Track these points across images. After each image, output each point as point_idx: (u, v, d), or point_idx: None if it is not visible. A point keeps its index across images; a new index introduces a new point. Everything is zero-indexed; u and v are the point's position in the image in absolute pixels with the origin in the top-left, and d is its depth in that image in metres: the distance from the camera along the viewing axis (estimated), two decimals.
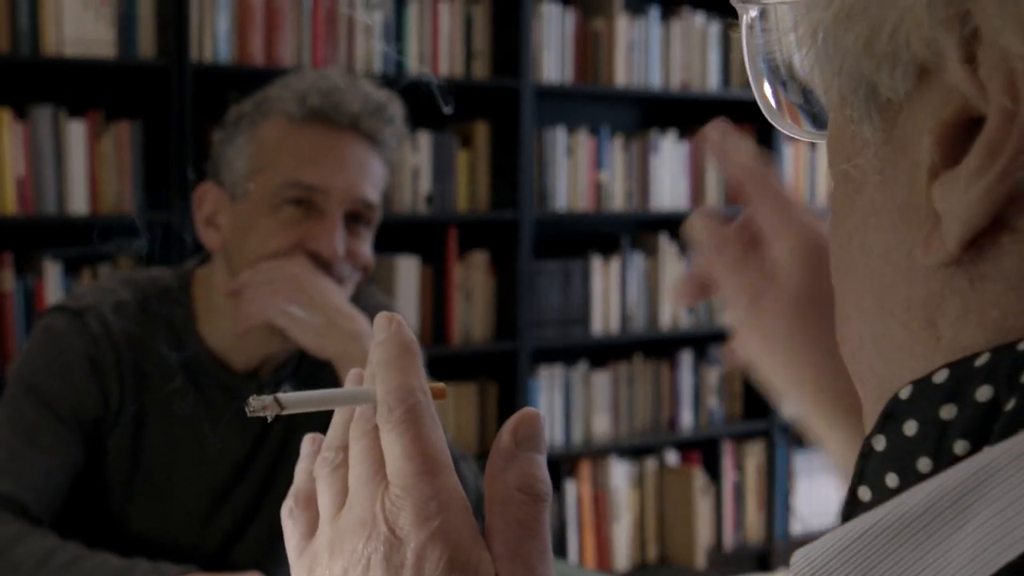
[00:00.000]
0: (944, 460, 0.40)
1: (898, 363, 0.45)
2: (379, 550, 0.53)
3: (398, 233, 3.61)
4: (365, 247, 1.62)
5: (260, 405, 0.58)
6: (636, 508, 4.05)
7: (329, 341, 1.54)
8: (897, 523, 0.40)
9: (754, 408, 4.27)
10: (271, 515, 1.65)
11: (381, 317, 0.61)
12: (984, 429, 0.39)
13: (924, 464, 0.41)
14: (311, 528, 0.59)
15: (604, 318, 3.91)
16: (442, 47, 3.56)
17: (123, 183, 3.10)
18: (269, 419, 0.59)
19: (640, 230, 4.10)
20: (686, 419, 4.14)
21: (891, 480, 0.43)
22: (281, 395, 0.59)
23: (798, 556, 0.42)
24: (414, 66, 3.51)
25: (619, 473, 3.99)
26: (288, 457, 1.64)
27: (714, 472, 4.21)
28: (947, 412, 0.41)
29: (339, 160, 1.56)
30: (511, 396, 3.71)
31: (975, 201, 0.40)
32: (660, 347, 4.12)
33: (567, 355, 3.93)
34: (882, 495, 0.42)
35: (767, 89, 0.53)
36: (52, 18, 2.99)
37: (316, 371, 1.65)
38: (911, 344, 0.44)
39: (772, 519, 4.27)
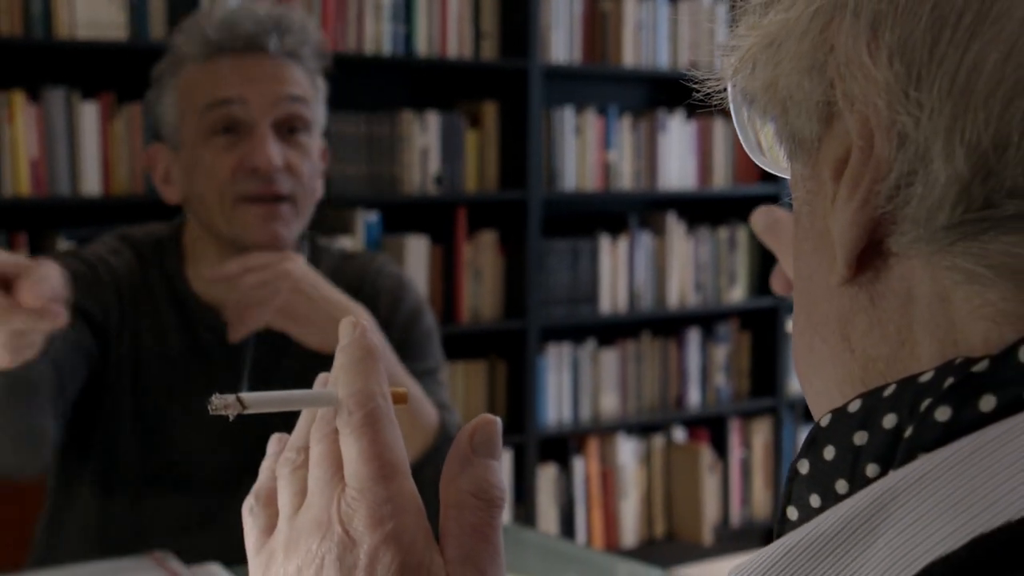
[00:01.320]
0: (859, 482, 0.45)
1: (823, 374, 0.51)
2: (333, 551, 0.54)
3: (408, 213, 3.64)
4: (307, 161, 1.61)
5: (222, 404, 0.58)
6: (644, 485, 4.08)
7: (333, 336, 1.55)
8: (817, 541, 0.44)
9: (761, 386, 4.29)
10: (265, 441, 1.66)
11: (345, 323, 0.62)
12: (890, 454, 0.44)
13: (842, 486, 0.46)
14: (270, 526, 0.59)
15: (612, 297, 3.94)
16: (451, 28, 3.58)
17: (135, 164, 3.14)
18: (231, 417, 0.59)
19: (648, 209, 4.13)
20: (693, 397, 4.17)
21: (814, 501, 0.47)
22: (244, 395, 0.59)
23: (732, 571, 0.47)
24: (423, 48, 3.54)
25: (627, 450, 4.02)
26: (278, 383, 1.65)
27: (721, 449, 4.25)
28: (859, 438, 0.46)
29: (251, 74, 1.59)
30: (520, 374, 3.74)
31: (845, 227, 0.46)
32: (668, 325, 4.14)
33: (575, 333, 3.96)
34: (807, 514, 0.47)
35: (749, 134, 0.55)
36: (64, 1, 3.02)
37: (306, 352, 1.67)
38: (831, 356, 0.50)
39: (779, 495, 4.30)
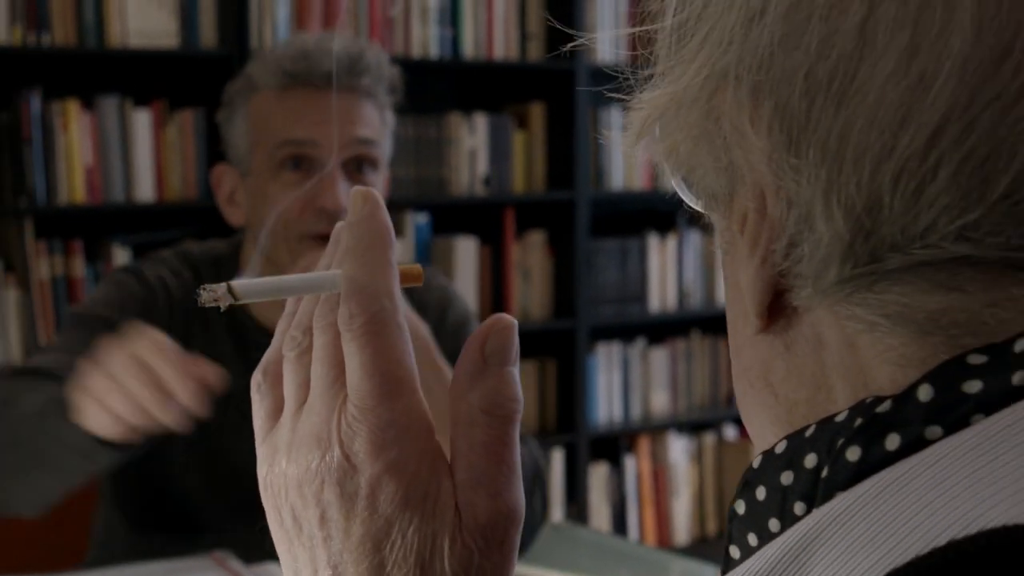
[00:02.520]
0: (788, 520, 0.46)
1: (757, 417, 0.52)
2: (333, 475, 0.51)
3: (456, 215, 3.66)
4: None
5: (211, 296, 0.53)
6: (695, 483, 4.08)
7: None
8: None
9: None
10: None
11: (357, 193, 0.55)
12: (813, 492, 0.46)
13: (774, 524, 0.47)
14: (276, 408, 0.56)
15: (661, 295, 3.94)
16: (497, 30, 3.60)
17: (187, 170, 3.18)
18: (222, 308, 0.54)
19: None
20: None
21: (752, 540, 0.49)
22: (235, 282, 0.53)
23: None
24: (469, 51, 3.55)
25: (678, 448, 4.02)
26: None
27: None
28: (786, 478, 0.47)
29: (323, 114, 1.61)
30: (570, 373, 3.75)
31: (750, 281, 0.49)
32: (717, 323, 4.14)
33: (625, 332, 3.96)
34: (747, 553, 0.48)
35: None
36: (116, 11, 3.07)
37: None
38: (759, 400, 0.52)
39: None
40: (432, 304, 1.77)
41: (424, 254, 3.54)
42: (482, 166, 3.59)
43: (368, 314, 0.52)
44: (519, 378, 0.54)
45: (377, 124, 1.65)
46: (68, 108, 3.04)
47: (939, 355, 0.45)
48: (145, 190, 3.13)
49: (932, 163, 0.43)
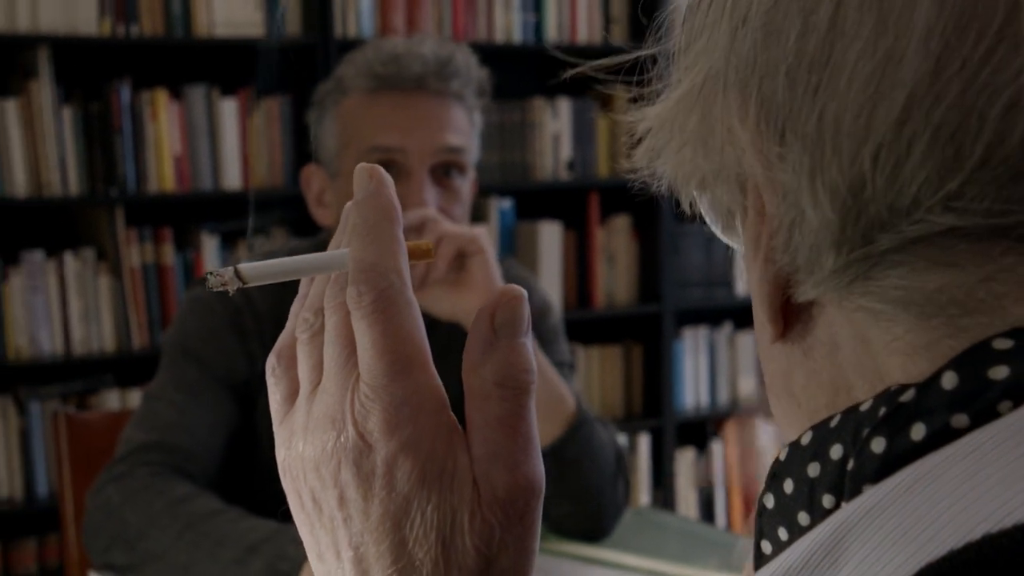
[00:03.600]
0: (818, 513, 0.46)
1: (786, 427, 0.52)
2: (349, 455, 0.51)
3: (540, 200, 3.65)
4: (458, 204, 1.65)
5: (218, 280, 0.52)
6: None
7: (469, 309, 1.57)
8: (789, 575, 0.44)
9: None
10: None
11: (360, 171, 0.54)
12: (841, 484, 0.45)
13: (803, 518, 0.47)
14: (292, 391, 0.56)
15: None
16: (580, 14, 3.58)
17: (274, 158, 3.21)
18: (230, 292, 0.53)
19: None
20: None
21: (782, 534, 0.48)
22: (242, 265, 0.52)
23: None
24: (553, 34, 3.54)
25: (766, 433, 3.99)
26: None
27: None
28: (813, 470, 0.47)
29: (413, 119, 1.61)
30: (656, 358, 3.73)
31: (756, 284, 0.49)
32: None
33: (711, 316, 3.93)
34: (778, 548, 0.48)
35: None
36: (203, 1, 3.10)
37: (454, 329, 1.71)
38: (784, 412, 0.52)
39: None
40: None
41: (508, 239, 3.54)
42: (566, 151, 3.58)
43: (376, 291, 0.51)
44: (532, 349, 0.53)
45: (465, 129, 1.66)
46: (157, 98, 3.09)
47: (943, 340, 0.45)
48: (232, 178, 3.16)
49: (907, 138, 0.43)
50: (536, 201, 3.65)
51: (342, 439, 0.51)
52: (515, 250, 3.55)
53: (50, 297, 3.03)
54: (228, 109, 3.17)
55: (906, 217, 0.44)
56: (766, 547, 0.49)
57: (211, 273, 0.52)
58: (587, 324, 3.67)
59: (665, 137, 0.52)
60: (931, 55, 0.43)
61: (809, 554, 0.44)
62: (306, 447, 0.53)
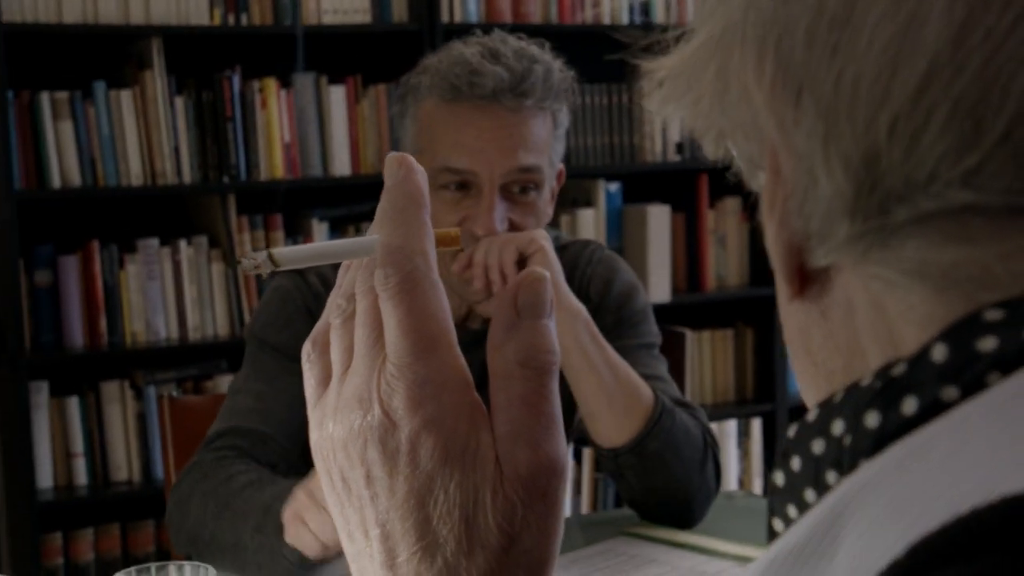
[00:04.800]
0: (823, 490, 0.46)
1: (804, 387, 0.52)
2: (375, 433, 0.51)
3: (649, 182, 3.62)
4: (530, 217, 1.64)
5: (252, 264, 0.53)
6: None
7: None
8: (792, 553, 0.44)
9: None
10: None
11: (390, 159, 0.55)
12: (842, 460, 0.45)
13: (810, 495, 0.47)
14: (326, 375, 0.56)
15: None
16: None
17: (382, 144, 3.22)
18: (264, 276, 0.52)
19: None
20: None
21: (792, 512, 0.48)
22: (275, 250, 0.53)
23: None
24: (660, 15, 3.51)
25: None
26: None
27: None
28: (818, 447, 0.46)
29: (483, 140, 1.59)
30: (768, 341, 3.68)
31: (772, 244, 0.49)
32: None
33: None
34: (788, 525, 0.47)
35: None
36: None
37: None
38: (803, 370, 0.52)
39: None
40: (596, 276, 1.78)
41: (616, 222, 3.52)
42: (675, 132, 3.55)
43: (402, 273, 0.52)
44: (555, 330, 0.53)
45: (542, 142, 1.63)
46: (266, 87, 3.12)
47: (957, 313, 0.44)
48: (341, 164, 3.19)
49: (925, 108, 0.42)
50: (644, 184, 3.62)
51: (368, 418, 0.52)
52: (623, 234, 3.53)
53: (165, 284, 3.08)
54: (336, 96, 3.19)
55: (923, 191, 0.43)
56: (778, 525, 0.49)
57: (245, 257, 0.53)
58: (697, 308, 3.64)
59: (682, 88, 0.52)
60: (954, 22, 0.41)
61: (811, 531, 0.44)
62: (336, 427, 0.53)
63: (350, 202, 3.25)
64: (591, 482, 3.46)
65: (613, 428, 1.60)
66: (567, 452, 0.52)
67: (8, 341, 2.98)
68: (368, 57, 3.29)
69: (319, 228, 3.20)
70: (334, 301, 0.57)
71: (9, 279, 2.92)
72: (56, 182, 2.96)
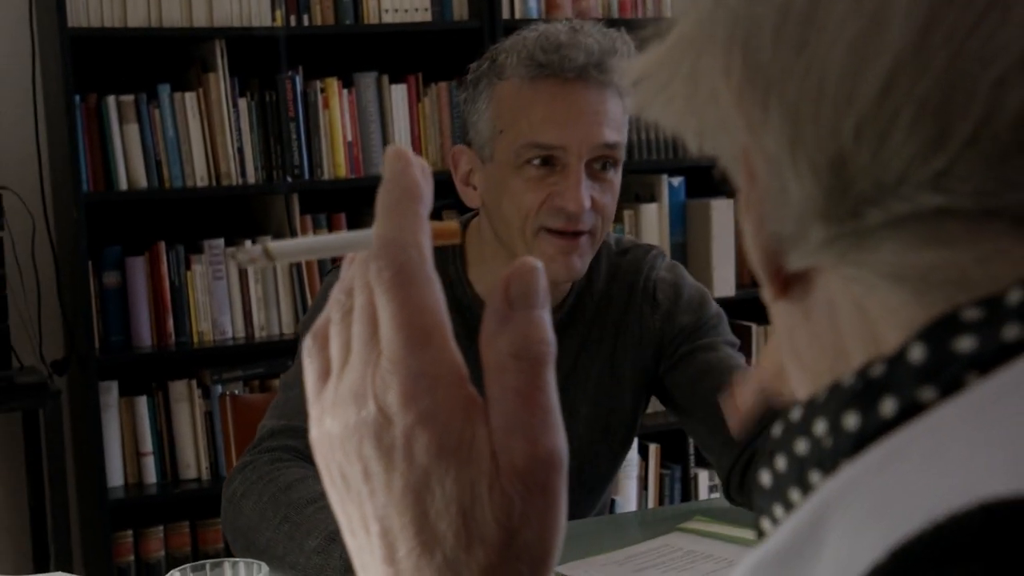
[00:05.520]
0: (807, 490, 0.45)
1: (795, 387, 0.52)
2: (370, 428, 0.51)
3: (712, 176, 3.60)
4: (610, 196, 1.65)
5: (247, 257, 0.53)
6: None
7: None
8: (778, 554, 0.44)
9: None
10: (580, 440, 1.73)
11: (389, 152, 0.55)
12: (824, 460, 0.45)
13: (795, 495, 0.46)
14: (325, 370, 0.56)
15: None
16: None
17: (443, 141, 3.23)
18: (258, 269, 0.50)
19: None
20: None
21: (778, 511, 0.47)
22: (271, 244, 0.53)
23: None
24: None
25: None
26: (567, 411, 1.69)
27: None
28: (801, 447, 0.46)
29: (572, 114, 1.60)
30: None
31: (750, 246, 0.49)
32: None
33: None
34: (776, 525, 0.47)
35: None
36: None
37: (594, 314, 1.73)
38: (792, 370, 0.52)
39: None
40: (663, 282, 1.77)
41: (679, 217, 3.50)
42: None
43: (396, 266, 0.51)
44: (549, 320, 0.52)
45: (621, 121, 1.64)
46: (328, 86, 3.14)
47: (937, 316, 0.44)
48: None
49: (889, 111, 0.42)
50: (708, 178, 3.59)
51: (363, 413, 0.51)
52: (686, 228, 3.51)
53: (231, 284, 3.11)
54: (398, 95, 3.20)
55: (893, 193, 0.43)
56: (766, 525, 0.49)
57: (240, 251, 0.53)
58: (762, 302, 3.61)
59: (654, 89, 0.52)
60: (917, 22, 0.41)
61: (794, 534, 0.44)
62: (333, 423, 0.53)
63: None
64: (657, 476, 3.45)
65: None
66: (565, 445, 0.51)
67: (78, 342, 3.02)
68: (429, 55, 3.30)
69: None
70: (333, 297, 0.56)
71: (78, 281, 2.96)
72: (123, 184, 3.00)
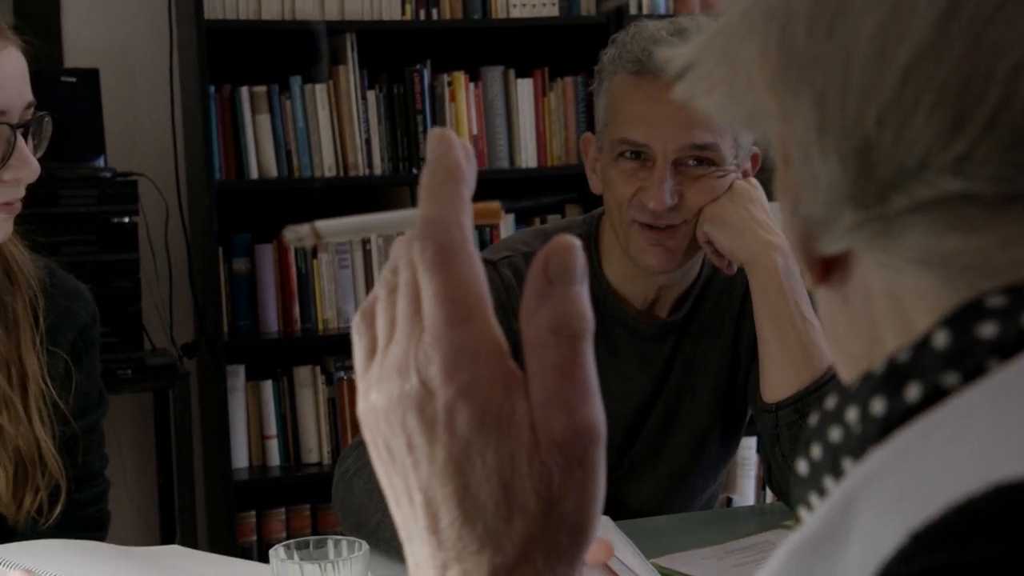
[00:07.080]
0: (840, 477, 0.46)
1: (839, 372, 0.53)
2: (413, 401, 0.52)
3: None
4: (698, 192, 1.64)
5: (296, 236, 0.54)
6: None
7: (742, 245, 1.62)
8: (811, 541, 0.45)
9: None
10: (671, 456, 1.72)
11: (433, 134, 0.56)
12: (855, 447, 0.45)
13: (829, 482, 0.47)
14: (373, 347, 0.56)
15: None
16: None
17: (568, 136, 3.25)
18: (308, 249, 0.52)
19: None
20: None
21: (814, 499, 0.48)
22: (319, 222, 0.54)
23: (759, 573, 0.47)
24: None
25: None
26: (690, 396, 1.71)
27: None
28: (835, 434, 0.47)
29: (661, 114, 1.60)
30: None
31: (787, 231, 0.50)
32: None
33: None
34: (812, 512, 0.47)
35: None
36: None
37: (715, 307, 1.75)
38: (833, 356, 0.53)
39: None
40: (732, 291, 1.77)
41: None
42: None
43: (438, 244, 0.52)
44: (587, 297, 0.53)
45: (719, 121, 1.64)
46: (455, 80, 3.18)
47: (965, 300, 0.45)
48: (528, 156, 3.22)
49: (910, 97, 0.43)
50: None
51: (406, 387, 0.52)
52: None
53: (356, 272, 3.16)
54: (524, 89, 3.22)
55: (916, 178, 0.44)
56: (803, 513, 0.50)
57: (289, 229, 0.54)
58: None
59: (697, 76, 0.53)
60: (938, 9, 0.42)
61: (825, 521, 0.44)
62: (378, 396, 0.54)
63: (536, 194, 3.28)
64: None
65: (778, 379, 1.58)
66: (604, 418, 0.52)
67: (208, 326, 3.10)
68: (555, 50, 3.31)
69: (505, 220, 3.23)
70: (381, 274, 0.57)
71: (209, 266, 3.04)
72: (254, 173, 3.07)
